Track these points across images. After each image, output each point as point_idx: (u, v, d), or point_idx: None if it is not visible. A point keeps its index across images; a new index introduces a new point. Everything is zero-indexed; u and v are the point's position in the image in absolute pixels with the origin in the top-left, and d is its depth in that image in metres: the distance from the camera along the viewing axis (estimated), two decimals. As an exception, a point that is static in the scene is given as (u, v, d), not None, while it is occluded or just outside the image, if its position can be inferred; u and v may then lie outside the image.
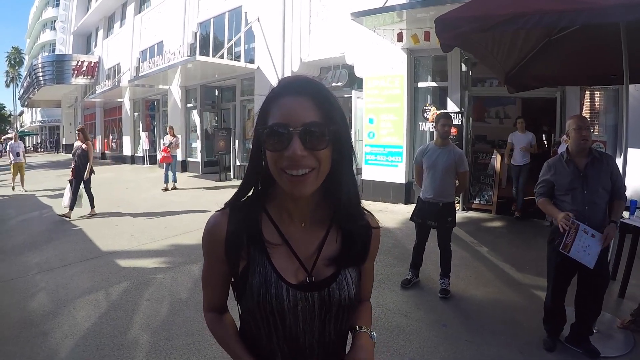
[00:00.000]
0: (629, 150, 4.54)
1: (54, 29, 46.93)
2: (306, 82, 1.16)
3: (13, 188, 14.90)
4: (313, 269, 1.23)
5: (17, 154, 14.92)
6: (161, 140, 21.17)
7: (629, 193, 6.65)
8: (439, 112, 8.23)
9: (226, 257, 1.25)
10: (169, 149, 14.04)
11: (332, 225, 1.29)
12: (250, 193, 1.30)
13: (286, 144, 1.07)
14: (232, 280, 1.30)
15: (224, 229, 1.24)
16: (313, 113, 1.10)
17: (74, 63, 29.02)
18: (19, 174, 15.04)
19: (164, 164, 14.10)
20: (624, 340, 4.15)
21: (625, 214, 5.06)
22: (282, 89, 1.15)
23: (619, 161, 4.86)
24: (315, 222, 1.28)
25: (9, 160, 15.16)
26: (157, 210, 10.41)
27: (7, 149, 15.72)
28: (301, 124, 1.08)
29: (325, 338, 1.26)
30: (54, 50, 43.79)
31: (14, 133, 17.00)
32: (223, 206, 1.30)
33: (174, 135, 14.39)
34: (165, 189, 13.68)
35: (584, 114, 8.85)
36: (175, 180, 14.18)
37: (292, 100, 1.12)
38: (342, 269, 1.26)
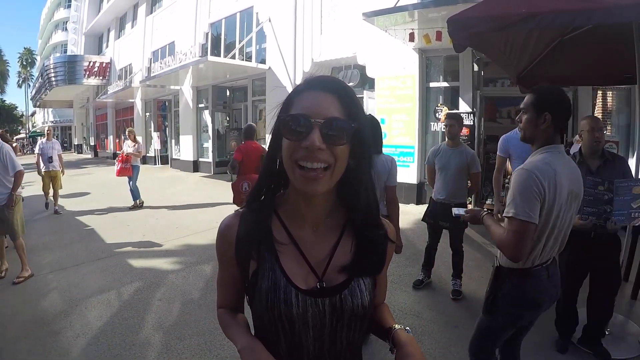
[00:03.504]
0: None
1: (66, 29, 47.28)
2: (331, 79, 1.16)
3: (47, 205, 10.82)
4: (324, 274, 1.20)
5: (50, 159, 10.43)
6: (172, 140, 21.27)
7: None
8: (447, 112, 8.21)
9: (236, 260, 1.25)
10: (125, 158, 10.97)
11: (345, 231, 1.26)
12: (264, 196, 1.28)
13: (305, 134, 1.06)
14: (245, 285, 1.29)
15: (235, 231, 1.24)
16: (336, 109, 1.09)
17: (86, 64, 29.28)
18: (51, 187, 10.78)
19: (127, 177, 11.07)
20: (635, 343, 4.11)
21: None
22: (307, 84, 1.15)
23: (632, 162, 4.81)
24: (328, 227, 1.26)
25: (38, 168, 10.58)
26: (169, 210, 10.50)
27: (37, 150, 10.71)
28: (323, 117, 1.07)
29: (337, 347, 1.23)
30: (65, 51, 44.09)
31: (47, 128, 12.00)
32: (239, 208, 1.30)
33: (135, 141, 11.47)
34: (134, 207, 10.96)
35: (596, 114, 8.79)
36: (138, 197, 11.19)
37: (316, 95, 1.11)
38: (354, 276, 1.22)
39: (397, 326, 1.27)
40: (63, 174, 11.00)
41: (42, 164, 10.48)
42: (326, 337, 1.20)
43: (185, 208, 10.70)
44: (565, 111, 2.50)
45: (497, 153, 5.31)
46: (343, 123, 1.08)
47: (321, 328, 1.18)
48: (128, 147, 11.22)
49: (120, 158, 11.00)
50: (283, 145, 1.11)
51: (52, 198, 10.86)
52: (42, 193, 10.87)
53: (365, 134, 1.16)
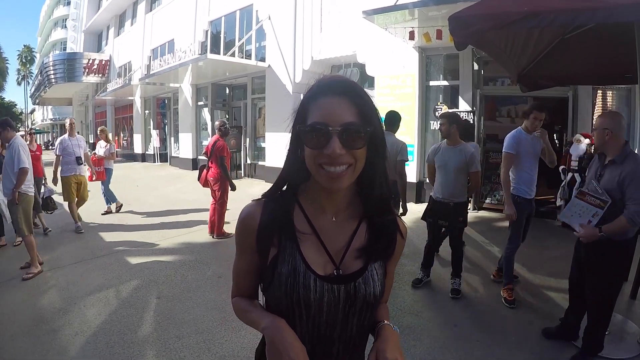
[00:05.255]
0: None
1: (65, 27, 47.32)
2: (345, 83, 1.20)
3: (78, 228, 8.39)
4: (341, 262, 1.26)
5: (78, 160, 8.44)
6: (171, 138, 21.26)
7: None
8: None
9: (257, 246, 1.29)
10: (98, 161, 9.75)
11: (362, 221, 1.33)
12: (285, 186, 1.35)
13: (325, 142, 1.13)
14: (261, 272, 1.33)
15: (257, 218, 1.29)
16: (351, 113, 1.15)
17: (85, 61, 29.24)
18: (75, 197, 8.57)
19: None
20: (634, 342, 4.12)
21: None
22: (321, 89, 1.20)
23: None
24: (346, 217, 1.32)
25: (55, 174, 8.58)
26: (168, 208, 10.49)
27: (57, 150, 8.46)
28: (340, 124, 1.13)
29: (347, 333, 1.29)
30: (65, 49, 44.16)
31: (68, 120, 8.90)
32: (260, 197, 1.36)
33: (107, 141, 10.12)
34: (108, 212, 9.98)
35: (596, 114, 8.80)
36: (114, 200, 10.18)
37: (331, 101, 1.16)
38: (369, 263, 1.28)
39: (387, 322, 1.35)
40: (100, 172, 9.58)
41: (61, 165, 8.44)
42: (338, 323, 1.26)
43: (185, 206, 10.68)
44: None
45: (507, 150, 5.06)
46: (359, 128, 1.14)
47: (335, 313, 1.25)
48: (100, 147, 9.97)
49: (93, 159, 9.65)
50: (307, 152, 1.18)
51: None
52: (66, 207, 8.68)
53: (379, 133, 1.22)
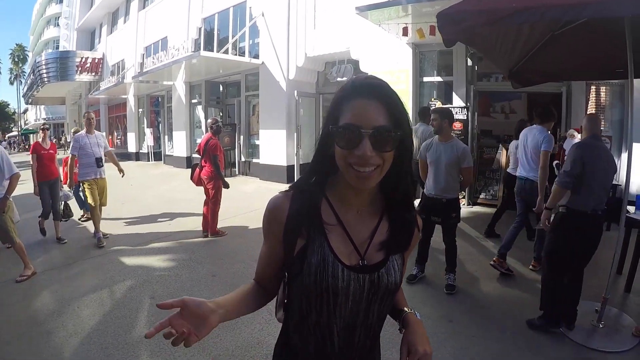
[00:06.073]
0: (634, 145, 4.50)
1: (58, 25, 47.08)
2: (378, 85, 1.23)
3: (99, 240, 7.33)
4: (365, 253, 1.32)
5: (98, 162, 7.39)
6: (165, 136, 21.19)
7: (634, 188, 6.71)
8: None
9: (284, 237, 1.34)
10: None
11: (383, 216, 1.39)
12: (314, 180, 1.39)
13: (356, 143, 1.16)
14: (286, 262, 1.37)
15: (286, 210, 1.33)
16: (383, 117, 1.18)
17: (78, 59, 29.10)
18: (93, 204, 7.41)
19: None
20: (629, 335, 4.14)
21: (631, 209, 5.13)
22: (355, 90, 1.23)
23: (624, 156, 4.81)
24: (370, 212, 1.38)
25: (70, 176, 8.13)
26: (162, 207, 10.46)
27: (72, 150, 7.53)
28: (372, 127, 1.16)
29: (369, 320, 1.36)
30: (57, 47, 43.93)
31: (85, 114, 7.81)
32: (288, 189, 1.40)
33: None
34: (88, 218, 8.88)
35: (589, 109, 8.85)
36: (82, 207, 9.19)
37: (364, 103, 1.19)
38: (390, 255, 1.35)
39: (408, 310, 1.49)
40: (123, 175, 8.26)
41: (78, 170, 7.55)
42: (361, 309, 1.33)
43: (179, 205, 10.66)
44: None
45: (548, 150, 5.53)
46: (390, 132, 1.18)
47: (359, 301, 1.32)
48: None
49: (65, 158, 8.67)
50: (337, 150, 1.22)
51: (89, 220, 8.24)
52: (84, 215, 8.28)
53: (408, 136, 1.26)
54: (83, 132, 7.52)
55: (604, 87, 9.02)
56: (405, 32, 9.13)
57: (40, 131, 8.02)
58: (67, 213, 8.01)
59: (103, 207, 7.86)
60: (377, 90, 1.20)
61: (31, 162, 7.47)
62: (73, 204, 8.39)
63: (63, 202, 7.91)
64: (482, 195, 9.94)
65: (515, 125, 7.65)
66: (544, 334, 4.16)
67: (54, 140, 8.68)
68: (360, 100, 1.19)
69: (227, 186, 7.63)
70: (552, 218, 4.37)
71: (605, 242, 6.17)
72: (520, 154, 6.10)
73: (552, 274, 4.33)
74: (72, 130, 9.36)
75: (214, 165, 7.45)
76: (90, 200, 7.39)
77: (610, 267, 4.28)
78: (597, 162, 4.08)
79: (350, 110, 1.19)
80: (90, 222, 7.92)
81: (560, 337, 4.13)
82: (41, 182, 7.47)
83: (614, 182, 7.75)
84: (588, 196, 4.08)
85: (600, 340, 4.05)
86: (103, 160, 7.54)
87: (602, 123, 8.93)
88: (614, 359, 3.84)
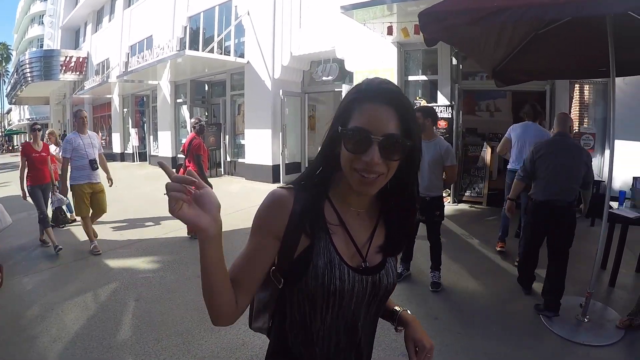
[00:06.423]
0: (617, 142, 4.57)
1: (42, 23, 46.66)
2: (392, 91, 1.20)
3: (94, 242, 7.00)
4: (366, 255, 1.32)
5: (92, 164, 6.87)
6: (150, 136, 21.09)
7: (617, 184, 6.81)
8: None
9: (285, 236, 1.26)
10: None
11: (380, 218, 1.38)
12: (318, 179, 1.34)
13: (365, 149, 1.14)
14: (282, 264, 1.30)
15: (290, 206, 1.26)
16: (394, 125, 1.15)
17: (62, 58, 28.76)
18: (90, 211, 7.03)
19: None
20: (614, 329, 4.18)
21: (615, 205, 5.26)
22: (368, 93, 1.19)
23: (607, 153, 4.87)
24: (369, 214, 1.37)
25: (63, 180, 7.17)
26: (147, 208, 10.37)
27: (64, 152, 6.80)
28: (382, 134, 1.13)
29: (367, 319, 1.37)
30: (42, 46, 43.51)
31: (80, 112, 7.16)
32: (289, 185, 1.34)
33: (57, 144, 9.27)
34: (73, 220, 8.74)
35: (573, 108, 8.94)
36: (71, 211, 8.34)
37: (377, 108, 1.16)
38: (387, 257, 1.36)
39: (398, 308, 1.50)
40: (111, 184, 7.60)
41: (70, 173, 6.87)
42: (362, 310, 1.33)
43: (164, 205, 10.53)
44: None
45: None
46: (400, 141, 1.15)
47: (361, 303, 1.31)
48: (52, 152, 8.44)
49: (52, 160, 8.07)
50: (343, 152, 1.19)
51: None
52: (78, 221, 7.42)
53: (417, 146, 1.24)
54: (76, 132, 6.99)
55: (588, 86, 9.11)
56: (390, 31, 9.17)
57: (31, 133, 7.46)
58: (63, 219, 7.72)
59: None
60: (391, 97, 1.18)
61: (20, 165, 7.21)
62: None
63: (57, 207, 7.62)
64: (467, 193, 10.00)
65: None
66: (529, 330, 4.20)
67: (47, 140, 7.75)
68: (373, 104, 1.16)
69: (209, 187, 7.54)
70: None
71: (589, 237, 6.26)
72: (519, 148, 6.31)
73: (523, 255, 5.02)
74: (47, 133, 9.14)
75: (197, 166, 7.40)
76: (76, 209, 6.94)
77: (594, 262, 4.35)
78: (552, 157, 4.54)
79: (361, 113, 1.17)
80: (79, 225, 7.62)
81: (545, 331, 4.18)
82: (34, 187, 7.13)
83: (597, 178, 7.91)
84: (543, 187, 4.59)
85: (586, 334, 4.11)
86: (98, 163, 7.03)
87: (586, 121, 9.05)
88: (599, 352, 3.88)
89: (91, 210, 7.04)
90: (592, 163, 4.75)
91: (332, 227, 1.27)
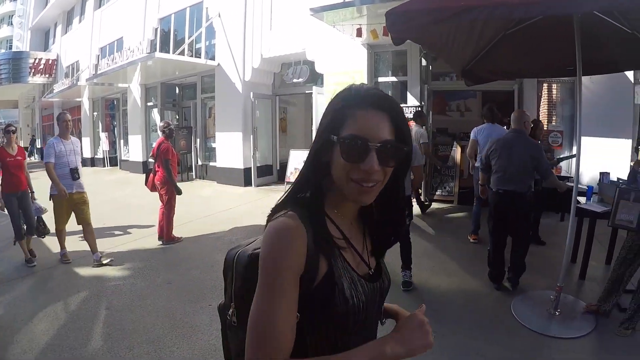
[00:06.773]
0: (584, 139, 4.65)
1: (11, 24, 45.64)
2: (384, 97, 1.18)
3: (64, 256, 6.79)
4: (368, 262, 1.30)
5: (73, 173, 6.50)
6: (121, 140, 20.79)
7: (585, 180, 6.95)
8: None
9: (306, 270, 1.10)
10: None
11: (366, 222, 1.37)
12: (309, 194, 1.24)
13: (363, 157, 1.11)
14: (301, 299, 1.11)
15: (303, 233, 1.11)
16: (389, 131, 1.14)
17: (31, 61, 28.13)
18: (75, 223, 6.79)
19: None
20: (585, 321, 4.28)
21: (582, 199, 5.40)
22: (360, 99, 1.16)
23: (574, 150, 4.96)
24: (357, 220, 1.35)
25: (59, 187, 6.30)
26: (117, 214, 10.24)
27: (48, 157, 6.37)
28: (379, 141, 1.11)
29: (374, 324, 1.35)
30: (11, 47, 42.57)
31: (63, 116, 6.81)
32: (277, 210, 1.21)
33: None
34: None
35: (542, 106, 9.09)
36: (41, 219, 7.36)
37: (371, 115, 1.14)
38: (379, 258, 1.38)
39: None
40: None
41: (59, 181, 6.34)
42: (371, 315, 1.29)
43: (134, 211, 10.46)
44: None
45: None
46: (396, 146, 1.14)
47: (376, 309, 1.31)
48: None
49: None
50: (338, 161, 1.14)
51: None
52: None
53: (410, 154, 1.23)
54: (57, 137, 6.60)
55: (556, 84, 9.28)
56: (359, 33, 9.21)
57: (5, 135, 6.73)
58: (42, 230, 7.15)
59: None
60: (383, 102, 1.15)
61: None
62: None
63: (36, 217, 7.03)
64: (438, 192, 10.14)
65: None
66: (502, 327, 4.28)
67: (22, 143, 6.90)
68: (365, 111, 1.13)
69: (179, 192, 7.48)
70: None
71: (559, 232, 6.37)
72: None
73: (492, 246, 5.34)
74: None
75: (165, 170, 7.32)
76: (57, 220, 6.64)
77: (563, 256, 4.44)
78: (503, 152, 5.07)
79: (356, 121, 1.13)
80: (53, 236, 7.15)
81: (517, 326, 4.26)
82: (7, 194, 6.51)
83: (566, 174, 8.08)
84: (497, 179, 5.15)
85: (557, 327, 4.21)
86: (80, 172, 6.62)
87: (554, 119, 9.22)
88: (571, 344, 3.97)
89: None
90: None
91: (338, 242, 1.20)
